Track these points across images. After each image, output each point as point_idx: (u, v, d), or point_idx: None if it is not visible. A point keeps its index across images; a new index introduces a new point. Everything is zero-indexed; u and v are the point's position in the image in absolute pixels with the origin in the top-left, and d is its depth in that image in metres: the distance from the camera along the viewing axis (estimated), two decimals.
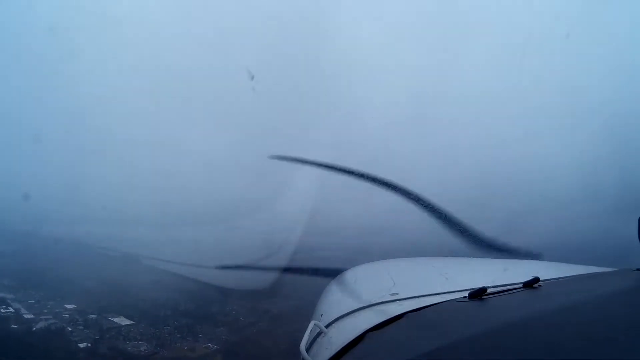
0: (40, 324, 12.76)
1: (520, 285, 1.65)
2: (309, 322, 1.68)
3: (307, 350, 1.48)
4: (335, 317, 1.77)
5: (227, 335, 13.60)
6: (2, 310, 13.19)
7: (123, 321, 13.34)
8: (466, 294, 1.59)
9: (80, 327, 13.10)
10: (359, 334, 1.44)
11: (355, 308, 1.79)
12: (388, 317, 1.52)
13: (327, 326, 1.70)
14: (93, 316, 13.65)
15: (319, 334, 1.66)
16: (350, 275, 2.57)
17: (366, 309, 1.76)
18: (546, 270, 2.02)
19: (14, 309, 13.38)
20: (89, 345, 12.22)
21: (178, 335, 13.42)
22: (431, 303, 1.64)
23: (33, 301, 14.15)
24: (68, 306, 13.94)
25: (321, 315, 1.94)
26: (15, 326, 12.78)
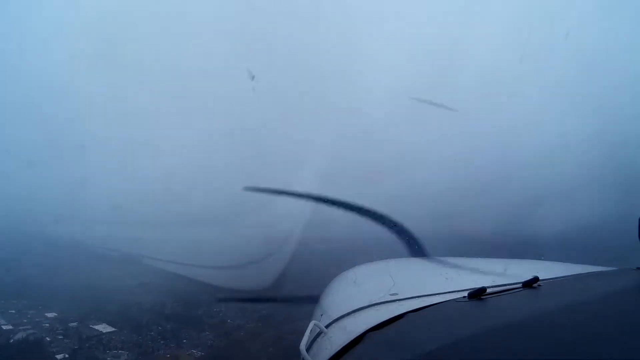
0: (19, 335, 12.32)
1: (520, 285, 1.65)
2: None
3: (307, 350, 1.48)
4: (335, 317, 1.77)
5: (213, 339, 13.12)
6: None
7: (105, 328, 12.90)
8: (466, 294, 1.59)
9: (60, 337, 12.62)
10: (359, 334, 1.44)
11: (355, 308, 1.78)
12: (388, 317, 1.52)
13: (327, 326, 1.70)
14: (74, 324, 13.17)
15: (319, 334, 1.66)
16: (350, 275, 2.57)
17: (366, 309, 1.76)
18: (546, 270, 2.02)
19: None
20: (66, 356, 11.71)
21: (161, 342, 12.91)
22: (431, 303, 1.64)
23: (14, 311, 13.74)
24: (49, 314, 13.51)
25: (321, 315, 1.94)
26: None
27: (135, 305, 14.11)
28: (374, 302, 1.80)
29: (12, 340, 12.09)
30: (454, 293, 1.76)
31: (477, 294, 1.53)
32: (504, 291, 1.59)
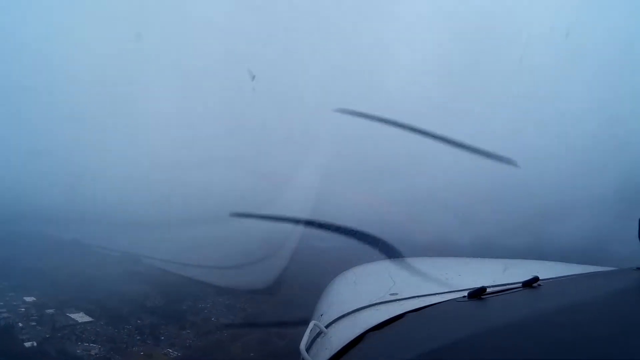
0: None
1: (520, 285, 1.65)
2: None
3: (307, 350, 1.48)
4: (335, 317, 1.77)
5: (192, 339, 12.24)
6: None
7: (82, 318, 12.20)
8: (466, 294, 1.59)
9: (33, 324, 11.90)
10: (359, 334, 1.44)
11: (355, 308, 1.79)
12: (388, 317, 1.52)
13: (327, 326, 1.70)
14: (51, 311, 12.45)
15: (319, 334, 1.66)
16: (350, 275, 2.57)
17: (366, 309, 1.76)
18: (546, 270, 2.02)
19: None
20: (35, 344, 11.02)
21: (138, 337, 12.05)
22: (431, 303, 1.64)
23: None
24: (27, 299, 12.78)
25: (321, 315, 1.94)
26: None
27: (117, 295, 13.38)
28: (374, 302, 1.80)
29: None
30: (454, 293, 1.76)
31: (477, 294, 1.52)
32: (504, 291, 1.59)
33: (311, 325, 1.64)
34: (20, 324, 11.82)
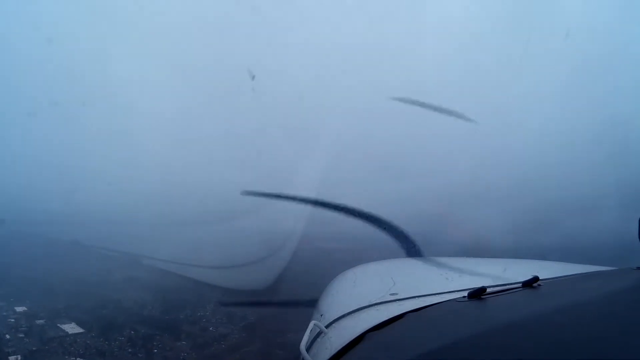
0: None
1: (520, 285, 1.65)
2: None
3: (307, 350, 1.48)
4: (335, 317, 1.77)
5: (187, 351, 11.58)
6: None
7: (73, 329, 11.62)
8: (466, 294, 1.59)
9: (21, 335, 11.29)
10: (359, 334, 1.44)
11: (355, 308, 1.79)
12: (388, 317, 1.52)
13: (327, 326, 1.70)
14: (41, 321, 11.90)
15: (319, 334, 1.66)
16: (350, 275, 2.57)
17: (366, 309, 1.76)
18: (546, 270, 2.02)
19: None
20: (18, 358, 10.40)
21: (129, 350, 11.46)
22: (431, 303, 1.64)
23: None
24: (18, 309, 12.19)
25: (321, 315, 1.94)
26: None
27: (113, 304, 12.90)
28: (374, 302, 1.80)
29: None
30: (454, 293, 1.76)
31: (477, 294, 1.53)
32: (504, 291, 1.59)
33: (311, 325, 1.64)
34: (7, 336, 11.25)
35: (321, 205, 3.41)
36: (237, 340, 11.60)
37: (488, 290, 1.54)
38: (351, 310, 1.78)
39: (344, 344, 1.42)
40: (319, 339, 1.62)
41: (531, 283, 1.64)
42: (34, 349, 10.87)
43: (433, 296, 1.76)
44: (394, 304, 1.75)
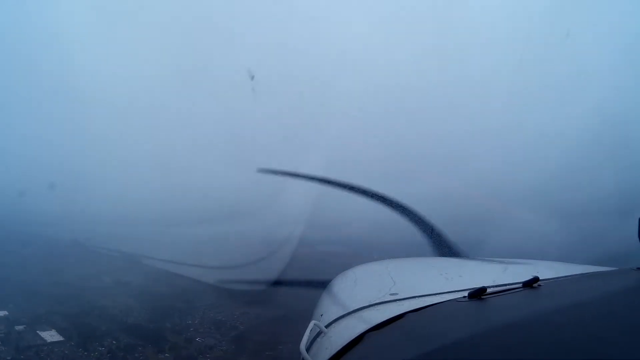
0: None
1: (520, 285, 1.65)
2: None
3: (307, 350, 1.48)
4: (335, 317, 1.77)
5: None
6: None
7: (52, 337, 10.89)
8: (466, 294, 1.59)
9: None
10: (359, 334, 1.44)
11: (355, 308, 1.79)
12: (388, 317, 1.52)
13: (327, 326, 1.70)
14: (20, 328, 11.16)
15: (319, 334, 1.66)
16: (350, 275, 2.57)
17: (366, 309, 1.76)
18: (546, 270, 2.02)
19: None
20: None
21: None
22: (431, 303, 1.64)
23: None
24: None
25: (321, 315, 1.94)
26: None
27: (98, 310, 12.08)
28: (374, 302, 1.80)
29: None
30: (454, 293, 1.76)
31: (477, 294, 1.53)
32: (504, 291, 1.59)
33: (311, 325, 1.64)
34: None
35: (333, 184, 3.40)
36: (224, 353, 10.75)
37: (488, 290, 1.54)
38: (351, 310, 1.78)
39: (344, 344, 1.42)
40: (319, 339, 1.62)
41: (531, 283, 1.63)
42: (8, 358, 10.18)
43: (433, 296, 1.76)
44: (394, 304, 1.75)
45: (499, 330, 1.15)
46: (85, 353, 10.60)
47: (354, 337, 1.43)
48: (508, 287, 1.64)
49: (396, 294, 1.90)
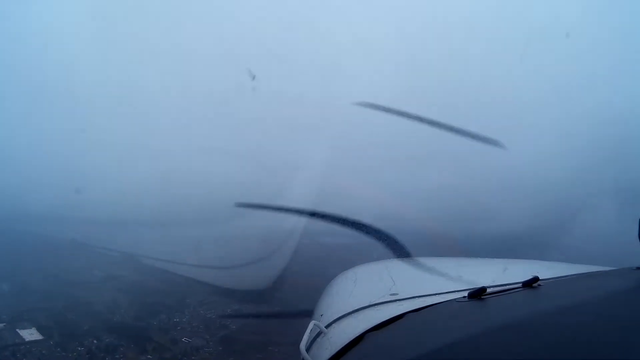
0: None
1: (520, 285, 1.65)
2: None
3: (307, 350, 1.48)
4: (335, 317, 1.77)
5: None
6: None
7: (31, 336, 10.40)
8: (466, 294, 1.59)
9: None
10: (359, 334, 1.45)
11: (355, 308, 1.79)
12: (388, 317, 1.52)
13: (327, 326, 1.70)
14: (1, 325, 10.74)
15: (318, 334, 1.66)
16: (350, 275, 2.57)
17: (366, 309, 1.77)
18: (546, 270, 2.02)
19: None
20: None
21: None
22: (431, 303, 1.64)
23: None
24: None
25: (321, 315, 1.94)
26: None
27: (84, 306, 11.51)
28: (374, 302, 1.80)
29: None
30: (454, 293, 1.76)
31: (477, 294, 1.53)
32: (504, 291, 1.59)
33: (311, 325, 1.64)
34: None
35: (314, 216, 3.38)
36: (210, 355, 10.13)
37: (488, 290, 1.54)
38: (351, 310, 1.78)
39: (344, 344, 1.42)
40: (318, 339, 1.62)
41: (531, 283, 1.63)
42: None
43: (433, 296, 1.76)
44: (394, 304, 1.75)
45: (499, 330, 1.15)
46: (64, 353, 10.08)
47: (354, 337, 1.43)
48: (508, 287, 1.64)
49: (396, 294, 1.90)
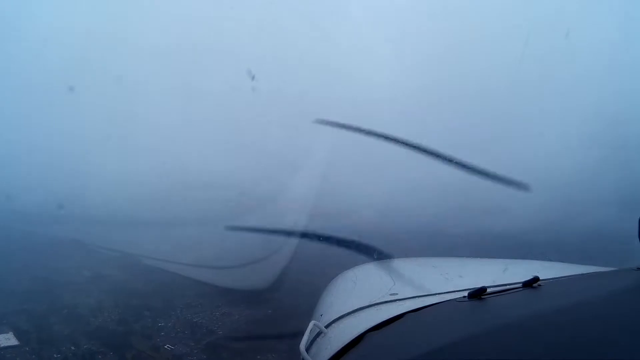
0: None
1: (520, 285, 1.65)
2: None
3: (307, 350, 1.48)
4: (335, 317, 1.77)
5: None
6: None
7: (7, 340, 9.95)
8: (466, 294, 1.59)
9: None
10: (359, 334, 1.45)
11: (355, 308, 1.79)
12: (388, 317, 1.52)
13: (327, 326, 1.70)
14: None
15: (318, 334, 1.66)
16: (350, 275, 2.57)
17: (366, 309, 1.77)
18: (546, 270, 2.02)
19: None
20: None
21: None
22: (431, 303, 1.64)
23: None
24: None
25: (321, 315, 1.94)
26: None
27: (67, 309, 10.90)
28: (374, 302, 1.80)
29: None
30: (454, 293, 1.76)
31: (477, 294, 1.53)
32: (504, 291, 1.59)
33: (311, 325, 1.64)
34: None
35: (306, 237, 3.40)
36: None
37: (488, 290, 1.54)
38: (351, 310, 1.78)
39: (344, 344, 1.42)
40: (318, 339, 1.62)
41: (531, 283, 1.63)
42: None
43: (433, 296, 1.76)
44: (394, 304, 1.75)
45: (498, 330, 1.15)
46: None
47: (354, 337, 1.43)
48: (508, 287, 1.64)
49: (396, 294, 1.90)
